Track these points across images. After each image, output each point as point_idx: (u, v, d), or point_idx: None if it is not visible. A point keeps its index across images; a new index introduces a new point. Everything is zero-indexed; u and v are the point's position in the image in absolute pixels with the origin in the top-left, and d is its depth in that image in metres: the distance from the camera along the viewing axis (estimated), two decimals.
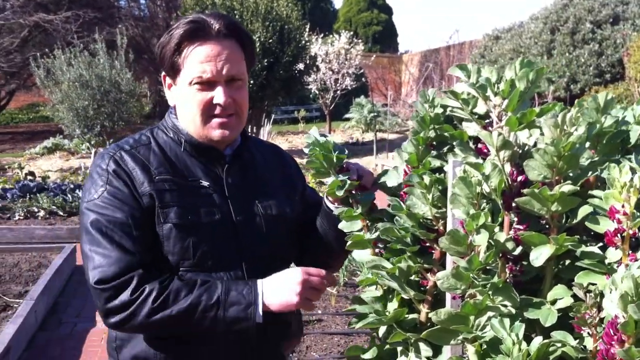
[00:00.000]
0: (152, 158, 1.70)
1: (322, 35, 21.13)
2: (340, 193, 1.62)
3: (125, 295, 1.55)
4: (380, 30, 31.04)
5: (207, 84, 1.67)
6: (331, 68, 20.58)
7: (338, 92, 20.98)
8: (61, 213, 9.52)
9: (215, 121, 1.70)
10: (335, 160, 1.65)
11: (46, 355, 4.88)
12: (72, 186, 10.59)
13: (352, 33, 22.52)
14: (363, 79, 22.71)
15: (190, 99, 1.69)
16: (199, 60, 1.66)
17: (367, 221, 1.63)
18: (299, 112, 23.49)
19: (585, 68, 15.38)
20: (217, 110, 1.69)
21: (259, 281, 1.63)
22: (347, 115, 20.87)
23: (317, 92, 21.04)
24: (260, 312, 1.60)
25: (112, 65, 16.00)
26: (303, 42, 17.32)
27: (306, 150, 1.66)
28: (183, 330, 1.63)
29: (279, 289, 1.61)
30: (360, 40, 22.35)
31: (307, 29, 18.01)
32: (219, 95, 1.67)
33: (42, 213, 9.40)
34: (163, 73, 1.77)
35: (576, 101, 1.48)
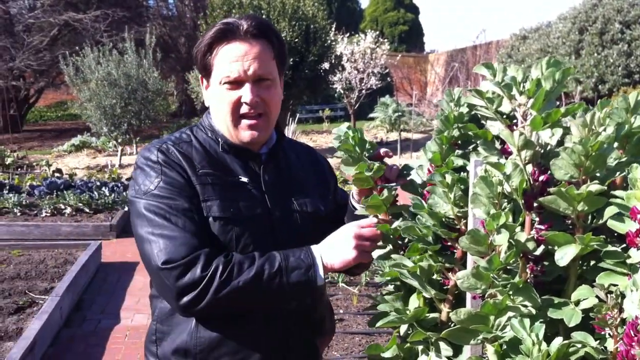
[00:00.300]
0: (194, 153, 1.75)
1: (348, 34, 21.12)
2: (369, 174, 1.61)
3: (196, 272, 1.57)
4: (406, 29, 30.94)
5: (235, 84, 1.71)
6: (356, 67, 20.54)
7: (363, 91, 20.93)
8: (87, 210, 9.63)
9: (245, 122, 1.74)
10: (368, 145, 1.65)
11: (70, 351, 4.94)
12: (98, 184, 10.72)
13: (378, 32, 22.46)
14: (388, 79, 22.66)
15: (220, 99, 1.74)
16: (227, 59, 1.70)
17: (389, 215, 1.64)
18: (324, 111, 23.50)
19: (613, 68, 15.18)
20: (245, 110, 1.72)
21: (315, 246, 1.67)
22: (371, 115, 20.83)
23: (342, 91, 21.02)
24: (322, 273, 1.64)
25: (140, 64, 16.14)
26: (329, 41, 17.33)
27: (335, 143, 1.66)
28: (251, 304, 1.65)
29: (334, 247, 1.65)
30: (386, 40, 22.29)
31: (332, 29, 18.02)
32: (246, 93, 1.70)
33: (68, 210, 9.52)
34: (200, 75, 1.82)
35: (599, 102, 1.46)
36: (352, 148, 1.64)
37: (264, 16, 15.20)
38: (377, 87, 20.60)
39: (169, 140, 1.78)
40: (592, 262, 1.29)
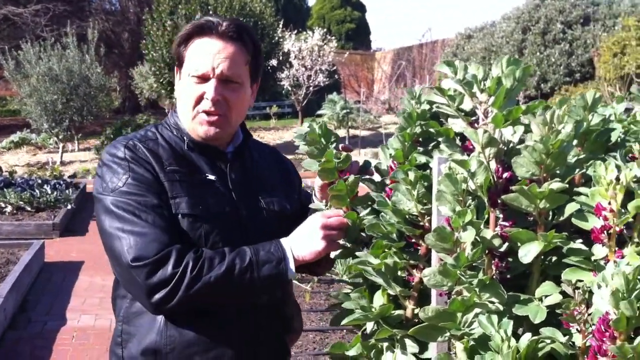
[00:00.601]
0: (161, 151, 1.73)
1: (295, 31, 21.10)
2: (337, 162, 1.60)
3: (167, 269, 1.55)
4: (353, 27, 31.11)
5: (202, 79, 1.70)
6: (304, 64, 20.56)
7: (311, 88, 20.97)
8: (29, 209, 9.38)
9: (203, 117, 1.72)
10: (332, 137, 1.64)
11: (16, 354, 4.80)
12: (39, 181, 10.43)
13: (325, 30, 22.52)
14: (336, 76, 22.73)
15: (186, 91, 1.73)
16: (199, 53, 1.71)
17: (350, 208, 1.64)
18: (271, 108, 23.41)
19: (555, 67, 15.58)
20: (206, 106, 1.71)
21: (284, 239, 1.67)
22: (319, 112, 20.84)
23: (289, 88, 21.00)
24: (292, 266, 1.64)
25: (82, 59, 15.80)
26: (276, 38, 17.27)
27: (299, 142, 1.64)
28: (222, 299, 1.64)
29: (303, 239, 1.65)
30: (333, 38, 22.37)
31: (280, 26, 17.96)
32: (209, 90, 1.69)
33: (9, 209, 9.25)
34: (175, 66, 1.82)
35: (558, 100, 1.49)
36: (318, 138, 1.62)
37: (210, 12, 15.05)
38: (324, 85, 20.66)
39: (135, 138, 1.75)
40: (554, 259, 1.31)
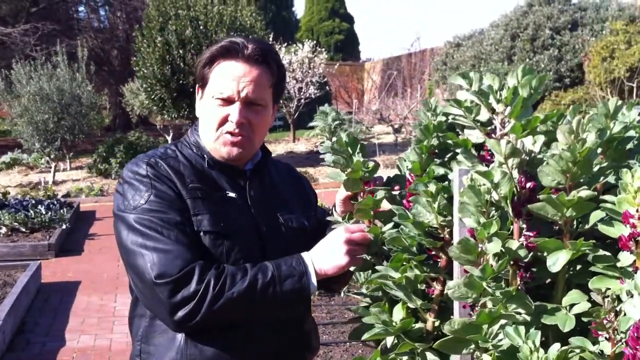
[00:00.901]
0: (182, 168, 1.73)
1: (285, 44, 21.14)
2: (359, 175, 1.60)
3: (191, 286, 1.54)
4: (342, 39, 31.22)
5: (226, 101, 1.71)
6: (295, 77, 20.59)
7: (302, 100, 21.00)
8: (23, 229, 9.30)
9: (227, 137, 1.73)
10: (359, 147, 1.64)
11: None
12: (33, 202, 10.35)
13: (314, 42, 22.58)
14: (327, 88, 22.77)
15: (209, 112, 1.74)
16: (224, 76, 1.71)
17: (373, 221, 1.64)
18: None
19: (545, 73, 15.65)
20: (230, 128, 1.72)
21: (305, 253, 1.67)
22: (311, 124, 20.76)
23: (280, 101, 20.99)
24: (314, 280, 1.63)
25: (73, 77, 15.78)
26: None
27: (322, 150, 1.66)
28: (245, 315, 1.63)
29: (326, 253, 1.65)
30: (323, 49, 22.43)
31: (270, 39, 17.99)
32: (234, 112, 1.70)
33: (3, 230, 9.18)
34: (197, 85, 1.82)
35: (571, 107, 1.49)
36: (345, 147, 1.62)
37: (201, 27, 15.06)
38: (315, 96, 20.69)
39: (156, 155, 1.75)
40: (579, 267, 1.30)
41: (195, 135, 1.81)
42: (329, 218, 1.80)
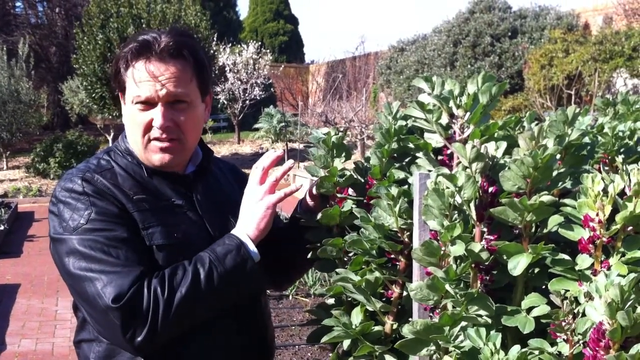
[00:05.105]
0: (120, 180, 1.62)
1: (229, 45, 21.00)
2: (334, 180, 1.59)
3: (143, 302, 1.46)
4: (286, 40, 31.19)
5: (147, 104, 1.59)
6: (239, 78, 20.50)
7: (247, 102, 20.92)
8: None
9: (155, 145, 1.62)
10: (344, 153, 1.64)
11: None
12: None
13: (259, 43, 22.51)
14: (272, 89, 22.73)
15: (132, 119, 1.63)
16: (139, 78, 1.58)
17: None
18: (207, 122, 23.18)
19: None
20: (157, 134, 1.61)
21: (233, 230, 1.64)
22: (256, 126, 20.76)
23: (225, 102, 20.86)
24: (252, 247, 1.60)
25: (11, 74, 15.31)
26: (211, 51, 17.14)
27: (312, 140, 1.66)
28: (203, 309, 1.56)
29: (249, 216, 1.63)
30: (267, 50, 22.39)
31: (215, 38, 17.85)
32: (157, 117, 1.59)
33: None
34: (119, 91, 1.70)
35: (527, 114, 1.53)
36: (330, 146, 1.61)
37: (144, 25, 14.82)
38: (260, 98, 20.64)
39: (89, 169, 1.63)
40: (537, 270, 1.33)
41: (126, 143, 1.69)
42: (297, 214, 1.74)
